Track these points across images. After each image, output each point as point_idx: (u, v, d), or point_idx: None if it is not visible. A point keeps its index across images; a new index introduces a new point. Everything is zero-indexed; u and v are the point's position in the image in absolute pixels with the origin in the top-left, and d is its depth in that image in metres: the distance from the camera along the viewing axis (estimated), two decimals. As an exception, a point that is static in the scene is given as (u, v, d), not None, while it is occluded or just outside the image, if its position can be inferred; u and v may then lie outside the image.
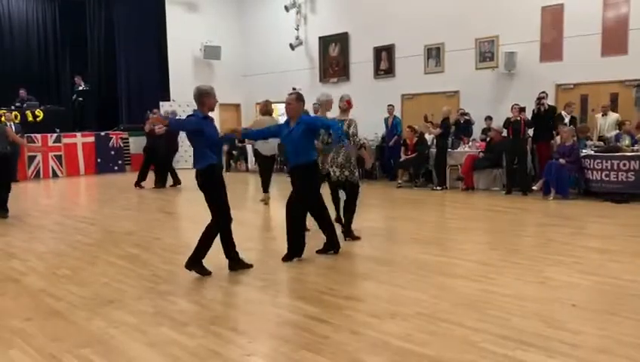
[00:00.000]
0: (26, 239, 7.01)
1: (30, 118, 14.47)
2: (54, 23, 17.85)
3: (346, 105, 6.71)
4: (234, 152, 15.89)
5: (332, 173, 6.58)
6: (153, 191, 11.60)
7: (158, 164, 12.09)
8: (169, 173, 12.08)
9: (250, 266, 5.26)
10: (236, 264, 5.21)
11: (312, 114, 10.05)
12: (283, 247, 6.58)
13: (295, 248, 5.60)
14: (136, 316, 4.04)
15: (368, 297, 4.36)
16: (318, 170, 5.77)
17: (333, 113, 6.87)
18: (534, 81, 11.32)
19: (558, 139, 10.11)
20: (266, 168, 9.26)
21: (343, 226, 6.59)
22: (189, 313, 4.11)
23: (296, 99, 5.52)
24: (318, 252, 5.79)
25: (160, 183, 11.91)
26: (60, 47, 17.97)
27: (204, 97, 4.93)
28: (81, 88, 16.20)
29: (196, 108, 5.00)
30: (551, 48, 11.57)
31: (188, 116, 5.12)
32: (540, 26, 11.69)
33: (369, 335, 3.58)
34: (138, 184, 11.89)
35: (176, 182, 12.06)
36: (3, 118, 12.25)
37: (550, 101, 10.74)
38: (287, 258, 5.58)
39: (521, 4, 11.89)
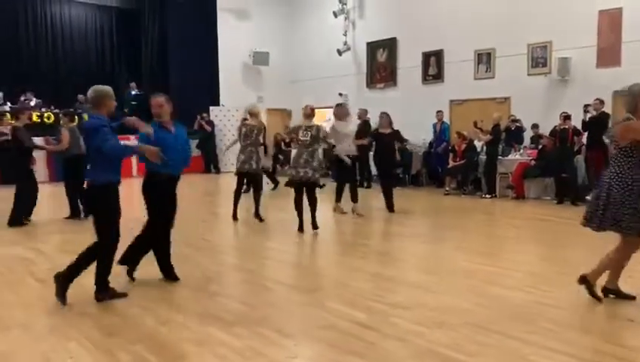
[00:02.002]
0: (80, 237, 7.26)
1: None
2: (111, 31, 18.58)
3: (309, 112, 7.40)
4: (280, 156, 16.03)
5: (303, 174, 7.12)
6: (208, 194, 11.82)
7: None
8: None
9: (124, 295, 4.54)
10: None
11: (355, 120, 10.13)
12: (330, 251, 6.63)
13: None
14: (185, 315, 4.14)
15: (415, 305, 4.31)
16: None
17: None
18: (590, 87, 10.93)
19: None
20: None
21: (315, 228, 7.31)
22: (236, 313, 4.18)
23: (167, 101, 4.86)
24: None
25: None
26: (115, 54, 18.68)
27: (107, 99, 4.35)
28: (134, 93, 16.77)
29: (92, 111, 4.35)
30: (608, 53, 11.17)
31: (100, 127, 4.20)
32: (596, 30, 11.32)
33: (416, 344, 3.54)
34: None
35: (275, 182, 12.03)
36: (62, 121, 12.77)
37: (607, 108, 10.35)
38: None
39: (576, 7, 11.54)
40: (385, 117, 9.41)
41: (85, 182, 4.47)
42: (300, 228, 7.33)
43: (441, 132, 12.89)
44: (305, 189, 7.30)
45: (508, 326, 3.81)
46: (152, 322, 3.99)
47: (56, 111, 13.64)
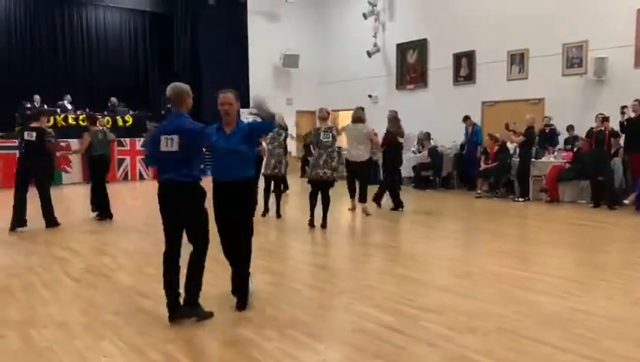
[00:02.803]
0: (115, 237, 7.43)
1: (120, 123, 15.38)
2: (144, 35, 18.94)
3: (325, 115, 7.79)
4: (308, 158, 16.03)
5: (322, 174, 7.50)
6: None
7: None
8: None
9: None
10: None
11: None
12: (356, 253, 6.60)
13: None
14: (216, 316, 4.16)
15: (446, 309, 4.26)
16: None
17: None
18: (628, 88, 10.62)
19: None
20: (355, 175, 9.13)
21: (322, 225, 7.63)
22: (266, 315, 4.19)
23: (237, 98, 4.59)
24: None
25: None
26: (149, 57, 19.03)
27: (187, 96, 4.20)
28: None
29: (172, 109, 4.20)
30: (647, 53, 10.86)
31: (204, 127, 4.28)
32: (634, 29, 11.00)
33: (447, 349, 3.49)
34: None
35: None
36: (86, 125, 13.08)
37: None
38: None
39: (613, 6, 11.24)
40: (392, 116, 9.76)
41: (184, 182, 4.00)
42: (311, 224, 7.68)
43: (473, 134, 12.71)
44: (321, 188, 7.64)
45: (541, 333, 3.72)
46: (183, 322, 4.02)
47: (90, 113, 13.98)
